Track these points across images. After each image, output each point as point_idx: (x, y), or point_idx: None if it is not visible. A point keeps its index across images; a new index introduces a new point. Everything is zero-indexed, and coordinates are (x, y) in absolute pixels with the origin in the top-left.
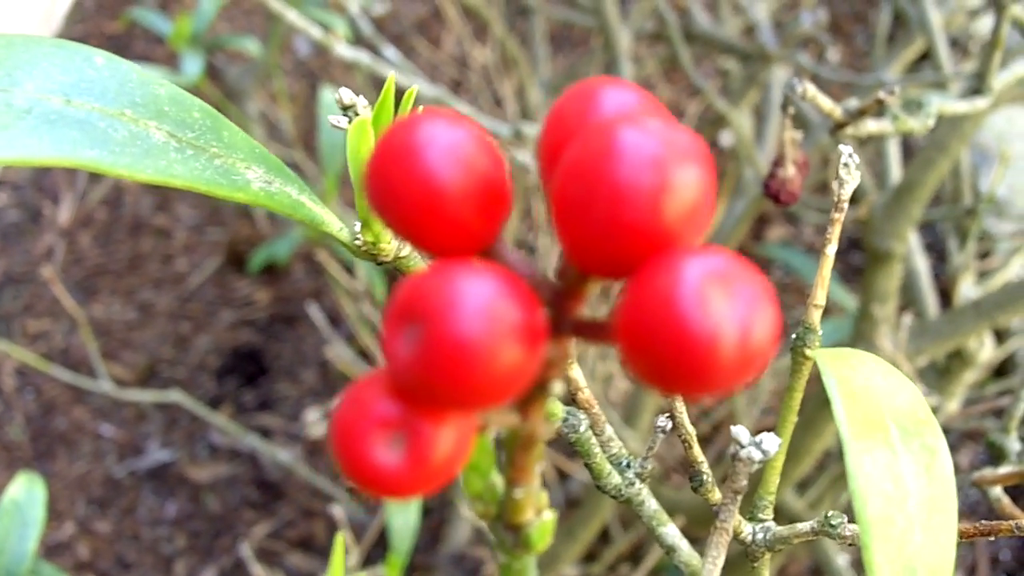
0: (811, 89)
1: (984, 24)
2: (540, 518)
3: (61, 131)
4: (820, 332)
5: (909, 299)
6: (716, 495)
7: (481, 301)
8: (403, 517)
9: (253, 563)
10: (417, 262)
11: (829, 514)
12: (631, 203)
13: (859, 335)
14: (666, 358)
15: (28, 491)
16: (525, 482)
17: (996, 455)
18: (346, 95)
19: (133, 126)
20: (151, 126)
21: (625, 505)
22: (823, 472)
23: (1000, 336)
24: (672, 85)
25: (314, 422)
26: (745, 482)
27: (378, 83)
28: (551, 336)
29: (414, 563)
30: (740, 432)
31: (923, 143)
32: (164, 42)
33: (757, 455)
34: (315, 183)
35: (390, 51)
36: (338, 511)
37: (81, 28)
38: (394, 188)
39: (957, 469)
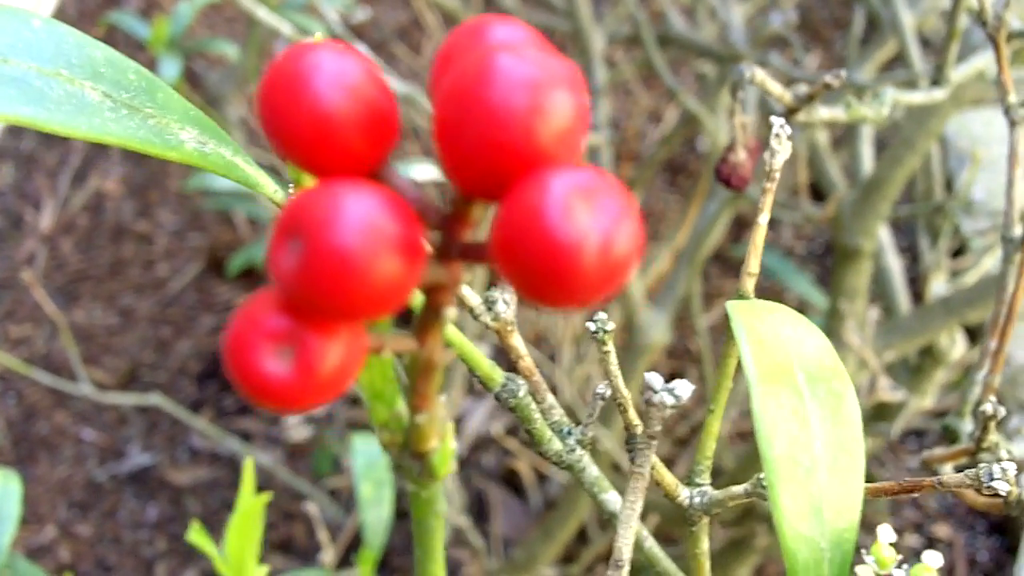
0: (759, 74)
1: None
2: (444, 445)
3: None
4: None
5: (882, 297)
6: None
7: (358, 215)
8: (376, 512)
9: None
10: None
11: (760, 476)
12: (505, 124)
13: (829, 332)
14: (535, 268)
15: (3, 487)
16: (427, 408)
17: (952, 439)
18: (285, 28)
19: (69, 85)
20: (87, 86)
21: (568, 472)
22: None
23: (974, 335)
24: (651, 91)
25: (294, 426)
26: (659, 427)
27: None
28: (440, 259)
29: (392, 565)
30: (652, 378)
31: (892, 140)
32: (145, 48)
33: (670, 400)
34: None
35: (362, 48)
36: (312, 508)
37: None
38: (283, 113)
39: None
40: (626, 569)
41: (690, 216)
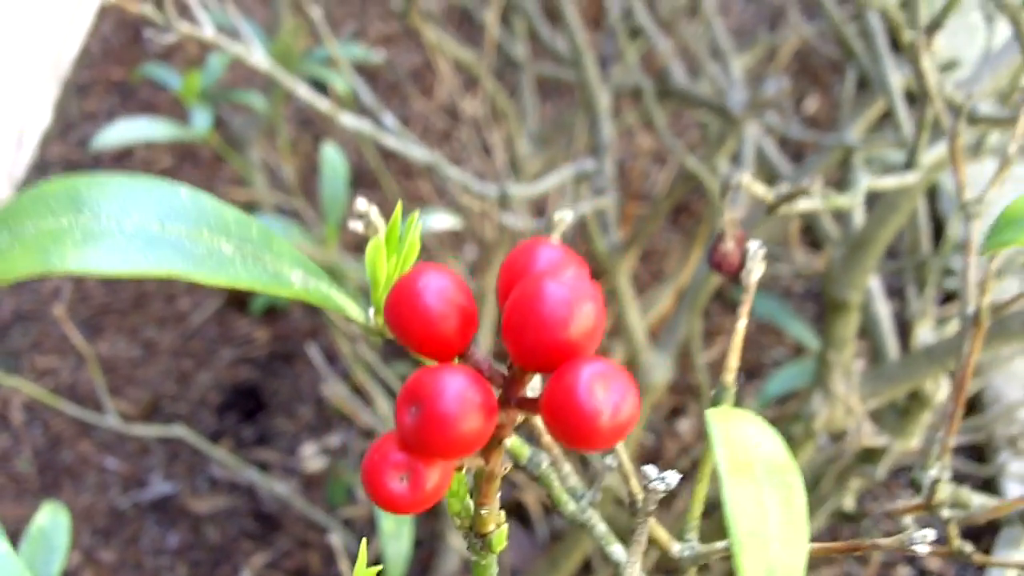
0: (746, 178)
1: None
2: (499, 529)
3: (158, 249)
4: (734, 390)
5: (871, 343)
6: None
7: (456, 391)
8: (396, 546)
9: None
10: None
11: None
12: (550, 329)
13: (818, 379)
14: (569, 425)
15: (53, 519)
16: (488, 504)
17: (917, 489)
18: (361, 204)
19: (210, 243)
20: (222, 243)
21: (580, 528)
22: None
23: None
24: (653, 136)
25: (310, 456)
26: (654, 507)
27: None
28: (502, 408)
29: None
30: (649, 470)
31: (879, 200)
32: (168, 90)
33: (662, 486)
34: (313, 227)
35: (388, 119)
36: (335, 539)
37: (88, 74)
38: (403, 318)
39: None
40: None
41: (692, 259)
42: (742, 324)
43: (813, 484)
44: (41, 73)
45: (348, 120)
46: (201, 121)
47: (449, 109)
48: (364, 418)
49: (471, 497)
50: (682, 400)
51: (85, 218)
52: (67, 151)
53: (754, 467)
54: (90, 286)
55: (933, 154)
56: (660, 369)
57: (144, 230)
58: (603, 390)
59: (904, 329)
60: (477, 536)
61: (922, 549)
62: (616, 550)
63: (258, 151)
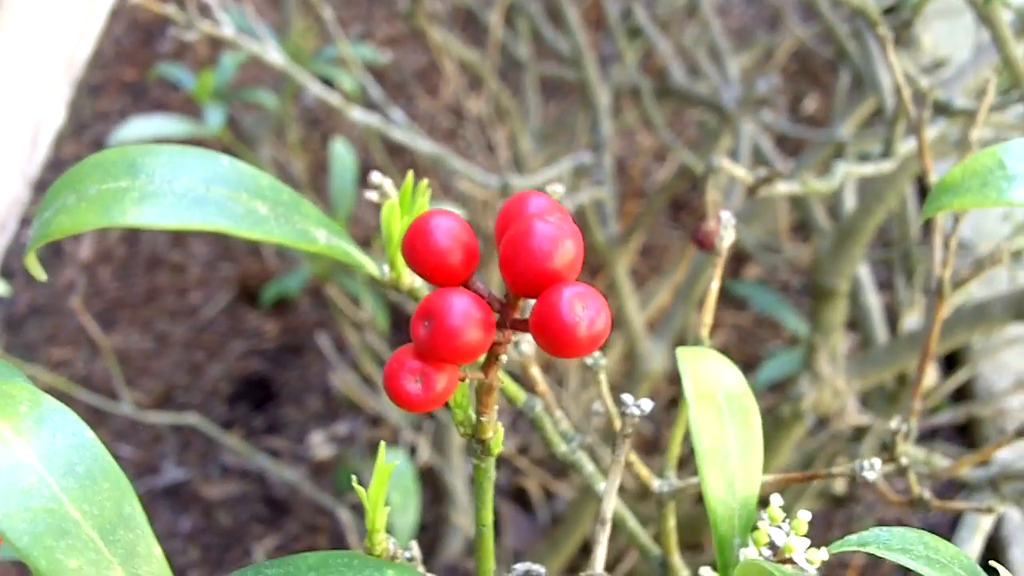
0: (726, 163)
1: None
2: (496, 435)
3: (204, 208)
4: (709, 345)
5: (863, 331)
6: (631, 456)
7: (461, 307)
8: (403, 518)
9: None
10: (423, 291)
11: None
12: (538, 259)
13: (806, 362)
14: (553, 336)
15: None
16: (487, 413)
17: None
18: (376, 177)
19: (248, 204)
20: (258, 204)
21: (571, 467)
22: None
23: (957, 360)
24: (653, 135)
25: (318, 444)
26: (631, 430)
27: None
28: (499, 327)
29: None
30: (627, 397)
31: (864, 193)
32: (179, 89)
33: (637, 412)
34: None
35: (397, 114)
36: (345, 515)
37: (101, 75)
38: (417, 252)
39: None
40: (608, 525)
41: (688, 253)
42: (715, 286)
43: (804, 467)
44: (55, 74)
45: (358, 114)
46: (215, 119)
47: (454, 108)
48: (371, 404)
49: (473, 409)
50: (680, 389)
51: (141, 181)
52: (80, 150)
53: (716, 395)
54: (103, 280)
55: (910, 144)
56: (657, 357)
57: (191, 191)
58: (581, 306)
59: (894, 319)
60: (478, 441)
61: (870, 475)
62: (602, 487)
63: (268, 148)
